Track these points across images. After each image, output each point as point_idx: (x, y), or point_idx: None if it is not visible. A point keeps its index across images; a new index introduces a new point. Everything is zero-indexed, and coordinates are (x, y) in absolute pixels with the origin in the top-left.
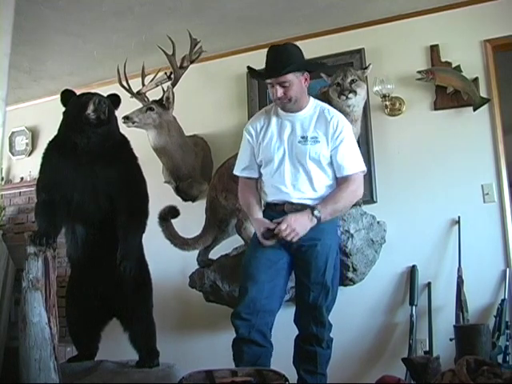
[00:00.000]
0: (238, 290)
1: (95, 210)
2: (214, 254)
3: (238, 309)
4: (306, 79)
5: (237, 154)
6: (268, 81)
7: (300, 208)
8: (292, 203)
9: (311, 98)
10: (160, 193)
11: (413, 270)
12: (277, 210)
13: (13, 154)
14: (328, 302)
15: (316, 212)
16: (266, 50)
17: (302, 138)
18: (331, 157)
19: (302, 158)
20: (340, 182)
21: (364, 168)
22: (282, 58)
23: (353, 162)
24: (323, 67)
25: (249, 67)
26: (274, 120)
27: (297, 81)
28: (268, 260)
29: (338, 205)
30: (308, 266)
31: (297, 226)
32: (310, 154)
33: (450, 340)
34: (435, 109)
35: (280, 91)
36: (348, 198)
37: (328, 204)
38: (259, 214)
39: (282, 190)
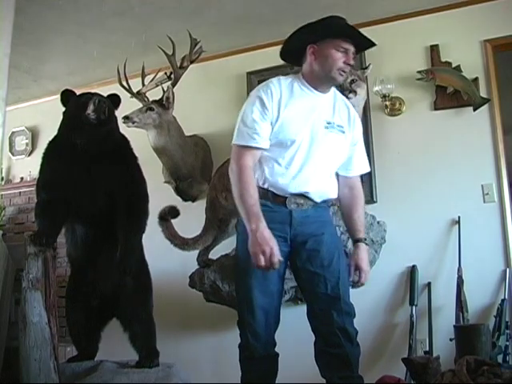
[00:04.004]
0: (242, 302)
1: (95, 210)
2: (214, 254)
3: (253, 326)
4: None
5: None
6: (345, 45)
7: (302, 202)
8: (296, 196)
9: None
10: (160, 193)
11: (413, 270)
12: (274, 201)
13: (13, 154)
14: (348, 290)
15: (367, 241)
16: (265, 50)
17: (328, 123)
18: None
19: (326, 145)
20: (350, 182)
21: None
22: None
23: (366, 162)
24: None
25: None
26: (298, 93)
27: None
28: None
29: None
30: (317, 254)
31: (368, 267)
32: (334, 142)
33: (450, 340)
34: (435, 109)
35: (352, 60)
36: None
37: (363, 224)
38: (265, 225)
39: (293, 179)
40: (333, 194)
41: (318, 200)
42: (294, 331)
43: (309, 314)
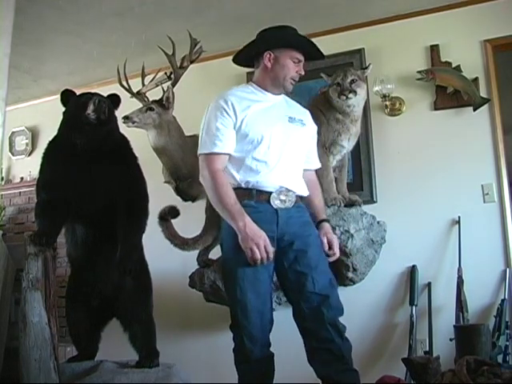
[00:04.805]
0: (236, 305)
1: (95, 210)
2: (214, 254)
3: (248, 329)
4: None
5: None
6: (300, 56)
7: (285, 198)
8: (279, 192)
9: None
10: (160, 193)
11: (413, 270)
12: (258, 199)
13: (13, 154)
14: (337, 291)
15: (329, 222)
16: None
17: (290, 117)
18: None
19: (294, 137)
20: (309, 174)
21: None
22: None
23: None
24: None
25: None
26: (254, 96)
27: None
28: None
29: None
30: (305, 255)
31: (336, 238)
32: (299, 134)
33: (450, 340)
34: (435, 109)
35: (303, 71)
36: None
37: (323, 207)
38: (251, 220)
39: (273, 170)
40: (306, 189)
41: (300, 192)
42: (294, 331)
43: (296, 315)
